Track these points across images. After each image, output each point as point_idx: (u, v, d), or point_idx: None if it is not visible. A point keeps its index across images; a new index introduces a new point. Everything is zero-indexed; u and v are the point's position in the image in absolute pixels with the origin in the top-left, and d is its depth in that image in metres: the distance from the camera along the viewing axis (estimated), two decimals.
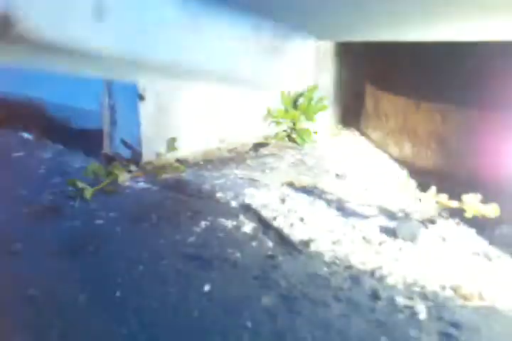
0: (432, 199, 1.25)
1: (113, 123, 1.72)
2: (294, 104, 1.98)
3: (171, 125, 1.72)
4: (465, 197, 1.15)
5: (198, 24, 0.64)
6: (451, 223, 1.28)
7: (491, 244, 1.18)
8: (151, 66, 0.67)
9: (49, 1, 0.38)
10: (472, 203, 1.12)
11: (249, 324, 0.90)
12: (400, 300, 0.97)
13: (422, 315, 0.92)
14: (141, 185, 1.54)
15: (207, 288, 1.00)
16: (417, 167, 1.66)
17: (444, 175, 1.55)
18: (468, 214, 1.15)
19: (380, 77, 2.01)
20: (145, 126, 1.65)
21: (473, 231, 1.24)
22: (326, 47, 2.06)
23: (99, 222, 1.29)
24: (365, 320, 0.91)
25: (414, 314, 0.93)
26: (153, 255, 1.12)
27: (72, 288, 0.99)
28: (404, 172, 1.63)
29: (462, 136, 1.52)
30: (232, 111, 1.88)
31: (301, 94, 1.99)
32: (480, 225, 1.24)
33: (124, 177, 1.55)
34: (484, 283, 1.04)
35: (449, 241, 1.20)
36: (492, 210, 1.11)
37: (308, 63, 0.87)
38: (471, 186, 1.45)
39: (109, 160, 1.70)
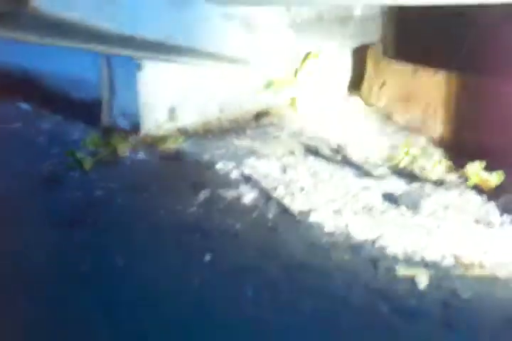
0: (438, 167, 1.23)
1: (112, 93, 1.69)
2: (296, 72, 1.94)
3: (170, 95, 1.69)
4: (469, 165, 1.14)
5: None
6: (455, 191, 1.27)
7: (493, 211, 1.17)
8: (145, 42, 0.68)
9: None
10: (476, 171, 1.11)
11: (250, 293, 0.90)
12: (401, 270, 0.97)
13: (422, 284, 0.92)
14: (141, 155, 1.53)
15: (208, 257, 1.00)
16: (420, 135, 1.63)
17: (449, 143, 1.53)
18: (471, 182, 1.13)
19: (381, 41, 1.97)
20: (144, 96, 1.62)
21: (476, 198, 1.23)
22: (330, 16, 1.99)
23: (99, 192, 1.29)
24: (365, 290, 0.91)
25: (414, 284, 0.93)
26: (153, 226, 1.12)
27: (72, 259, 0.99)
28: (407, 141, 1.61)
29: (463, 103, 1.50)
30: (232, 80, 1.84)
31: (303, 62, 1.95)
32: (483, 193, 1.23)
33: (123, 148, 1.53)
34: (485, 251, 1.04)
35: (451, 209, 1.19)
36: (495, 178, 1.09)
37: None
38: (478, 154, 1.43)
39: (109, 130, 1.68)
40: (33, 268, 0.98)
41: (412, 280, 0.94)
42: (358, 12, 1.99)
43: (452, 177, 1.29)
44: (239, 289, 0.91)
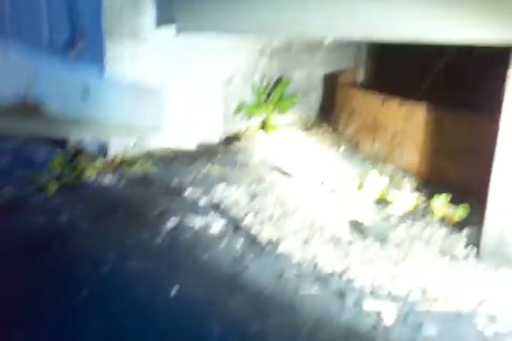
0: (405, 199, 1.25)
1: None
2: (267, 97, 1.96)
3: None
4: (435, 199, 1.16)
5: None
6: (421, 222, 1.29)
7: (458, 243, 1.20)
8: None
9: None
10: (441, 205, 1.13)
11: (216, 330, 0.88)
12: (367, 304, 0.97)
13: (389, 320, 0.93)
14: (108, 179, 1.50)
15: (174, 291, 0.98)
16: (387, 163, 1.67)
17: (417, 174, 1.57)
18: (436, 216, 1.16)
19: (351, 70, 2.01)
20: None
21: (442, 230, 1.26)
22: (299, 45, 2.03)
23: (64, 218, 1.25)
24: (333, 326, 0.91)
25: (381, 318, 0.93)
26: (119, 255, 1.09)
27: (33, 291, 0.96)
28: (375, 171, 1.64)
29: (431, 135, 1.53)
30: (203, 105, 1.84)
31: (273, 89, 1.97)
32: (449, 225, 1.26)
33: (90, 172, 1.50)
34: (450, 284, 1.06)
35: (417, 241, 1.21)
36: (460, 211, 1.12)
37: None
38: (443, 183, 1.47)
39: (76, 153, 1.65)
40: None
41: (378, 315, 0.95)
42: (326, 42, 2.04)
43: (419, 207, 1.31)
44: (205, 325, 0.89)
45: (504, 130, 1.02)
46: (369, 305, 0.97)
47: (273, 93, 1.95)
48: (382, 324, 0.91)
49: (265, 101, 1.94)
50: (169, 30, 1.55)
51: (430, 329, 0.90)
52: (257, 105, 1.93)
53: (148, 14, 1.59)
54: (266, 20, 1.14)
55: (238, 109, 1.92)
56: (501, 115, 1.02)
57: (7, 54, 0.78)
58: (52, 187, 1.38)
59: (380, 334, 0.89)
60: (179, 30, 1.40)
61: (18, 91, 0.81)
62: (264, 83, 1.95)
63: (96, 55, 1.52)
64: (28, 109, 0.82)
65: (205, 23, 1.25)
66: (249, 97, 1.94)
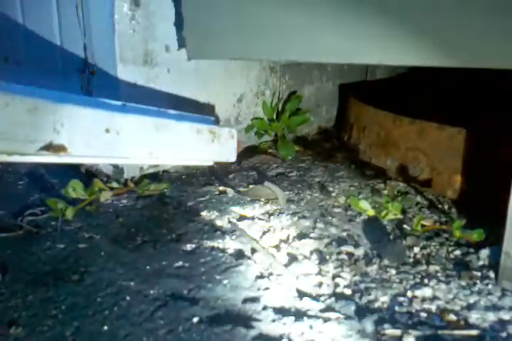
0: (420, 218, 1.25)
1: None
2: (277, 115, 1.98)
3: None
4: (452, 220, 1.16)
5: None
6: (438, 243, 1.30)
7: (475, 264, 1.20)
8: None
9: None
10: (458, 227, 1.14)
11: None
12: (388, 331, 0.98)
13: None
14: (124, 202, 1.52)
15: (195, 320, 0.99)
16: (398, 181, 1.67)
17: (429, 189, 1.57)
18: (454, 237, 1.16)
19: (361, 89, 2.02)
20: None
21: (460, 251, 1.26)
22: None
23: (83, 245, 1.27)
24: None
25: None
26: (140, 283, 1.10)
27: (56, 323, 0.97)
28: (389, 187, 1.64)
29: (442, 154, 1.54)
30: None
31: (284, 105, 1.98)
32: (467, 246, 1.26)
33: (106, 196, 1.52)
34: (470, 307, 1.06)
35: (433, 262, 1.22)
36: (475, 236, 1.12)
37: None
38: (459, 203, 1.47)
39: (91, 175, 1.67)
40: (15, 332, 0.95)
41: (400, 339, 0.95)
42: None
43: (434, 227, 1.32)
44: None
45: None
46: (389, 330, 0.98)
47: (285, 109, 1.96)
48: None
49: (277, 117, 1.96)
50: (182, 54, 1.57)
51: None
52: (269, 122, 1.94)
53: (160, 38, 1.61)
54: (275, 46, 1.16)
55: (250, 127, 1.94)
56: None
57: (36, 105, 0.79)
58: (70, 213, 1.40)
59: None
60: (190, 57, 1.42)
61: (44, 137, 0.82)
62: (275, 99, 1.97)
63: (109, 82, 1.54)
64: (52, 151, 0.84)
65: (217, 49, 1.27)
66: (260, 114, 1.95)
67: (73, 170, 1.69)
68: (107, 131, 0.98)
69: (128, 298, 1.05)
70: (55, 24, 1.75)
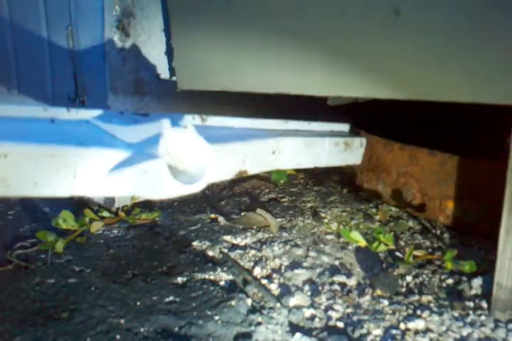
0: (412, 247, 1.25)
1: None
2: None
3: None
4: (444, 253, 1.16)
5: None
6: (429, 272, 1.29)
7: (468, 295, 1.20)
8: None
9: None
10: (449, 258, 1.13)
11: None
12: None
13: None
14: (115, 233, 1.51)
15: None
16: (390, 205, 1.67)
17: (421, 214, 1.57)
18: (447, 268, 1.15)
19: (352, 112, 2.03)
20: None
21: (451, 281, 1.25)
22: None
23: (73, 279, 1.26)
24: None
25: None
26: (130, 320, 1.09)
27: None
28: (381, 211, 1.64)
29: (433, 179, 1.54)
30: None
31: None
32: (459, 275, 1.26)
33: (96, 226, 1.51)
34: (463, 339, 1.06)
35: (426, 292, 1.21)
36: (467, 267, 1.12)
37: None
38: (451, 228, 1.48)
39: (82, 204, 1.66)
40: None
41: None
42: None
43: (426, 257, 1.31)
44: None
45: None
46: None
47: None
48: None
49: None
50: (173, 82, 1.58)
51: None
52: None
53: (151, 67, 1.62)
54: (263, 79, 1.17)
55: None
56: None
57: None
58: (60, 246, 1.39)
59: None
60: (180, 87, 1.43)
61: None
62: None
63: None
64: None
65: (206, 81, 1.28)
66: None
67: (65, 199, 1.68)
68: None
69: (118, 336, 1.04)
70: (46, 53, 1.76)
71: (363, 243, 1.26)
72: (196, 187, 0.92)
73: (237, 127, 1.29)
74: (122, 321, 1.09)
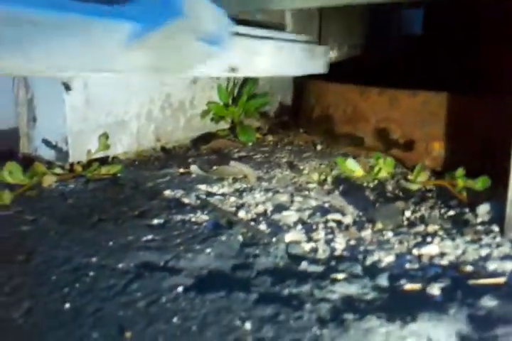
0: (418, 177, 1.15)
1: (31, 120, 1.48)
2: (234, 99, 1.85)
3: (101, 120, 1.50)
4: (451, 172, 1.07)
5: None
6: (435, 201, 1.20)
7: (479, 220, 1.11)
8: None
9: None
10: (459, 177, 1.04)
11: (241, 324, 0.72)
12: (407, 286, 0.85)
13: (438, 297, 0.80)
14: (72, 186, 1.32)
15: (180, 289, 0.81)
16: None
17: (403, 159, 1.49)
18: (459, 187, 1.06)
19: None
20: (72, 122, 1.43)
21: (459, 208, 1.16)
22: None
23: (26, 227, 1.05)
24: (373, 313, 0.77)
25: (426, 295, 0.81)
26: (103, 258, 0.91)
27: (5, 305, 0.76)
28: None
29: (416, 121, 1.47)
30: (169, 106, 1.70)
31: (240, 89, 1.86)
32: (466, 202, 1.17)
33: (49, 180, 1.31)
34: (478, 260, 0.96)
35: (434, 220, 1.11)
36: (479, 184, 1.03)
37: None
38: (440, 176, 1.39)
39: (30, 162, 1.44)
40: None
41: (422, 293, 0.82)
42: None
43: (430, 182, 1.22)
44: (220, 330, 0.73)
45: None
46: (408, 284, 0.85)
47: (241, 93, 1.84)
48: (434, 300, 0.79)
49: (234, 102, 1.83)
50: None
51: (489, 302, 0.78)
52: (226, 106, 1.81)
53: None
54: None
55: (206, 112, 1.79)
56: None
57: None
58: (7, 198, 1.18)
59: (437, 312, 0.76)
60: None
61: None
62: (231, 83, 1.85)
63: None
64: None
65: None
66: (216, 99, 1.82)
67: (8, 155, 1.46)
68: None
69: (91, 273, 0.85)
70: None
71: (360, 172, 1.15)
72: (218, 49, 0.89)
73: None
74: (94, 259, 0.90)
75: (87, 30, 0.70)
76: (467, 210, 1.18)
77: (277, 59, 1.27)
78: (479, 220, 1.13)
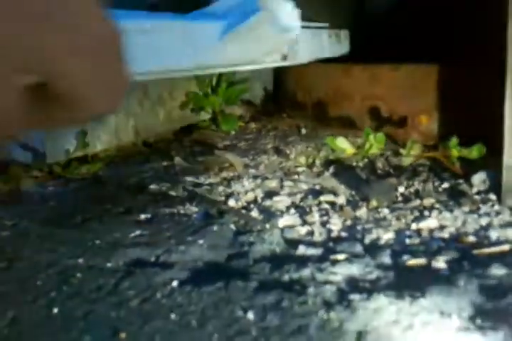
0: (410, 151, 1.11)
1: None
2: (213, 88, 1.80)
3: None
4: (445, 141, 1.03)
5: None
6: (428, 174, 1.17)
7: (475, 190, 1.08)
8: None
9: None
10: (453, 146, 1.01)
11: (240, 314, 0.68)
12: (411, 261, 0.81)
13: (442, 267, 0.77)
14: (52, 189, 1.26)
15: (175, 283, 0.76)
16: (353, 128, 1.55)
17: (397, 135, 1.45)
18: (454, 157, 1.03)
19: None
20: None
21: (454, 180, 1.14)
22: None
23: (6, 233, 1.00)
24: (383, 282, 0.74)
25: (429, 270, 0.78)
26: (90, 258, 0.86)
27: None
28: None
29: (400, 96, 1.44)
30: (147, 98, 1.64)
31: (218, 79, 1.81)
32: (460, 173, 1.14)
33: (27, 183, 1.25)
34: (478, 231, 0.93)
35: (430, 193, 1.08)
36: (475, 152, 1.00)
37: None
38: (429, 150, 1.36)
39: (5, 167, 1.38)
40: None
41: (428, 267, 0.79)
42: None
43: (424, 155, 1.18)
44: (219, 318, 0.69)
45: None
46: (411, 260, 0.81)
47: (220, 81, 1.79)
48: (441, 274, 0.76)
49: (213, 91, 1.78)
50: None
51: (498, 271, 0.75)
52: (205, 96, 1.76)
53: None
54: None
55: (185, 103, 1.74)
56: None
57: None
58: None
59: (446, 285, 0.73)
60: None
61: None
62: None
63: None
64: None
65: None
66: (195, 88, 1.76)
67: None
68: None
69: (79, 274, 0.81)
70: None
71: (351, 150, 1.11)
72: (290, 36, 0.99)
73: None
74: (80, 260, 0.85)
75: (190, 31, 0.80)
76: (462, 181, 1.15)
77: (312, 45, 1.34)
78: (475, 190, 1.10)
